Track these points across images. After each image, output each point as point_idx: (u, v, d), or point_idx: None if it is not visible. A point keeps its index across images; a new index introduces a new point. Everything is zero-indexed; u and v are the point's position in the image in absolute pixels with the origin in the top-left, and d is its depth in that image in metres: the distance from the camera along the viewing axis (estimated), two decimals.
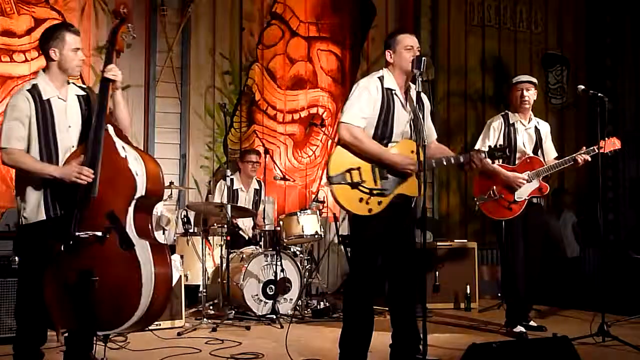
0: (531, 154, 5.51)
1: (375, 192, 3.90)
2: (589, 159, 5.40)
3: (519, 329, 5.36)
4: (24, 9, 6.92)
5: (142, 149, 7.03)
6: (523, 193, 5.40)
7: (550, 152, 5.66)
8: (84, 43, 7.01)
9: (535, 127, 5.60)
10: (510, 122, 5.53)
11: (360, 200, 3.89)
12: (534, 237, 5.51)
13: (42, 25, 6.66)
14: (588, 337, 4.86)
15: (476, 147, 5.56)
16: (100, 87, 3.74)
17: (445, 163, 4.13)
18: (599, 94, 5.19)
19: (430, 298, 6.66)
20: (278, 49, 8.18)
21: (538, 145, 5.56)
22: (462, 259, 7.03)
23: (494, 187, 5.42)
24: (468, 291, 6.84)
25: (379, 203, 3.91)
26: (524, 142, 5.51)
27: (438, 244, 7.11)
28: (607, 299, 5.03)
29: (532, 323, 5.52)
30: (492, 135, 5.52)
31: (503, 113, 5.64)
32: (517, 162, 5.48)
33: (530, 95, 5.52)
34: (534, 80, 5.63)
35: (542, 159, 5.51)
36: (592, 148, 5.35)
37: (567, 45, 9.73)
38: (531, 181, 5.41)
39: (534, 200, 5.48)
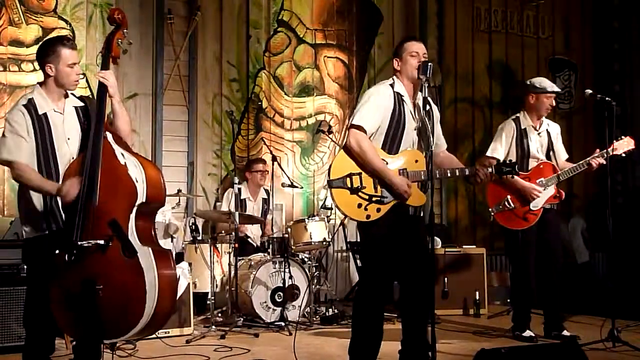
0: (544, 159, 5.43)
1: (374, 198, 3.88)
2: (604, 162, 5.27)
3: (529, 333, 5.32)
4: (32, 18, 6.95)
5: (150, 157, 7.10)
6: (539, 202, 5.31)
7: (561, 153, 5.58)
8: (91, 52, 7.10)
9: (547, 130, 5.51)
10: (522, 127, 5.43)
11: (359, 205, 3.87)
12: (554, 243, 5.43)
13: (50, 35, 6.67)
14: (598, 343, 4.84)
15: (488, 153, 5.50)
16: (97, 95, 3.73)
17: (449, 175, 4.11)
18: (607, 98, 5.14)
19: (439, 304, 6.62)
20: (285, 56, 8.20)
21: (550, 148, 5.49)
22: (470, 265, 6.99)
23: (508, 196, 5.32)
24: (477, 297, 6.81)
25: (378, 210, 3.89)
26: (537, 147, 5.43)
27: (447, 250, 7.08)
28: (617, 304, 4.99)
29: (565, 333, 5.30)
30: (505, 142, 5.41)
31: (514, 117, 5.53)
32: (530, 168, 5.38)
33: None
34: None
35: (554, 163, 5.44)
36: (605, 151, 5.24)
37: (574, 51, 9.70)
38: (546, 188, 5.33)
39: (547, 206, 5.37)
